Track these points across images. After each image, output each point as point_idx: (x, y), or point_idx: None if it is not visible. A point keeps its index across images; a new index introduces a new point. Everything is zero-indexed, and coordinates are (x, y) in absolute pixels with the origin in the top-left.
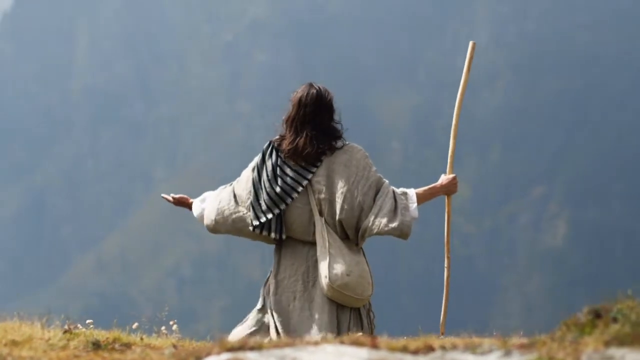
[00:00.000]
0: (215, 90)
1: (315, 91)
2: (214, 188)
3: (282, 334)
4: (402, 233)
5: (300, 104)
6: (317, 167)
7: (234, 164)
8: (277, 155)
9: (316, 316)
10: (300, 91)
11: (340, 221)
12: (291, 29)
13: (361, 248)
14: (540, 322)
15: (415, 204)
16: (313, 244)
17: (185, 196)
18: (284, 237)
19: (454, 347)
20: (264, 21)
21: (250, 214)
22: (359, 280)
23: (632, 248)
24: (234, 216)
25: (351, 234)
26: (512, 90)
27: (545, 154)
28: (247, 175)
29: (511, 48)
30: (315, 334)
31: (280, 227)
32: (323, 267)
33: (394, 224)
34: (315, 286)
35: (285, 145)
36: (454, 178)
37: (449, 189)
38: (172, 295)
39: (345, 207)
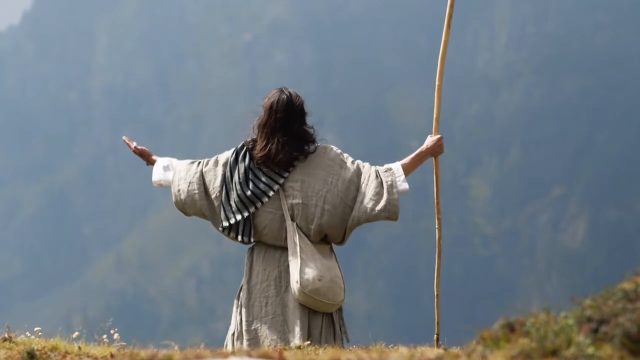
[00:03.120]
0: (235, 90)
1: (285, 97)
2: None
3: (252, 341)
4: (390, 214)
5: (272, 110)
6: (289, 172)
7: None
8: (250, 159)
9: (289, 321)
10: (271, 97)
11: (320, 225)
12: (310, 29)
13: (334, 253)
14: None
15: (403, 176)
16: (285, 248)
17: (147, 150)
18: (252, 240)
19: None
20: (283, 21)
21: (221, 213)
22: (330, 285)
23: None
24: (204, 204)
25: (336, 234)
26: (532, 90)
27: (565, 154)
28: (218, 170)
29: (531, 48)
30: (289, 339)
31: (248, 231)
32: (294, 272)
33: (379, 206)
34: (287, 291)
35: (257, 151)
36: (439, 139)
37: (435, 150)
38: (191, 295)
39: (327, 207)
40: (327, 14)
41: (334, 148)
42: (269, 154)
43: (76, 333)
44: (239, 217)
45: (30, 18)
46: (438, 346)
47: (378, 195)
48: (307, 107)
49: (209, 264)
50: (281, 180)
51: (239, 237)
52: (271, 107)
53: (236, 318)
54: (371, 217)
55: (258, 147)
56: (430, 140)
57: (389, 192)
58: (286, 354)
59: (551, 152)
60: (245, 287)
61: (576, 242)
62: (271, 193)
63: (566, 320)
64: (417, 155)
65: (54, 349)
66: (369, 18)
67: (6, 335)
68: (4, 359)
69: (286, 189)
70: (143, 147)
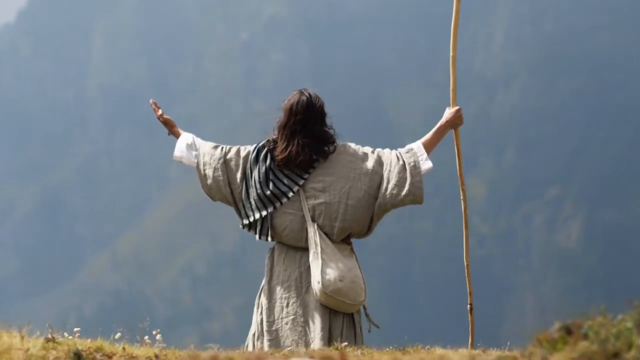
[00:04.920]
0: (231, 90)
1: (305, 98)
2: None
3: (273, 342)
4: (415, 197)
5: (292, 112)
6: (309, 173)
7: None
8: (272, 160)
9: (310, 322)
10: (291, 98)
11: (344, 221)
12: (307, 28)
13: (354, 254)
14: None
15: (425, 154)
16: (306, 249)
17: (172, 120)
18: (269, 239)
19: None
20: (280, 20)
21: (241, 210)
22: (351, 286)
23: None
24: (228, 191)
25: (360, 227)
26: (528, 90)
27: (560, 155)
28: (240, 161)
29: (528, 48)
30: (309, 340)
31: (267, 231)
32: (316, 273)
33: (404, 191)
34: (308, 292)
35: (278, 152)
36: (457, 110)
37: (455, 122)
38: (186, 294)
39: (350, 202)
40: (324, 13)
41: (352, 144)
42: (289, 156)
43: (118, 334)
44: (257, 215)
45: (26, 16)
46: (472, 316)
47: (402, 179)
48: (327, 108)
49: (204, 263)
50: (301, 182)
51: (257, 236)
52: (291, 108)
53: (257, 318)
54: (397, 203)
55: (279, 149)
56: (448, 112)
57: (412, 175)
58: (347, 354)
59: (547, 153)
60: (265, 287)
61: (571, 243)
62: (291, 194)
63: (624, 324)
64: (437, 130)
65: (98, 349)
66: (366, 18)
67: (49, 336)
68: (53, 359)
69: (307, 190)
70: (168, 117)
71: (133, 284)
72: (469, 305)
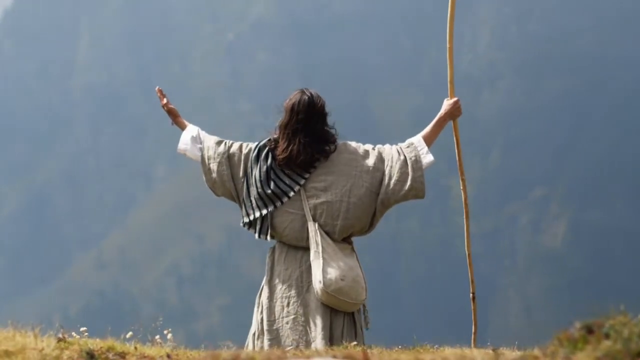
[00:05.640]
0: (217, 90)
1: (307, 97)
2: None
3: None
4: (417, 192)
5: (293, 111)
6: (310, 173)
7: None
8: (273, 159)
9: (310, 321)
10: (292, 97)
11: (346, 219)
12: (293, 28)
13: (355, 253)
14: (539, 323)
15: (426, 148)
16: (306, 249)
17: (176, 110)
18: (268, 238)
19: None
20: (266, 21)
21: (242, 209)
22: (352, 285)
23: (633, 250)
24: (232, 186)
25: (362, 224)
26: (514, 90)
27: (546, 155)
28: (242, 157)
29: (513, 49)
30: (310, 339)
31: (266, 230)
32: (317, 272)
33: (406, 186)
34: (309, 291)
35: (279, 152)
36: (456, 102)
37: (453, 113)
38: (171, 294)
39: (353, 200)
40: (310, 13)
41: (353, 142)
42: (290, 155)
43: (129, 333)
44: (257, 214)
45: (11, 16)
46: (474, 305)
47: (404, 174)
48: (328, 108)
49: (190, 263)
50: (302, 181)
51: (257, 235)
52: (292, 108)
53: (257, 318)
54: (400, 198)
55: (280, 149)
56: (447, 104)
57: (413, 169)
58: (370, 354)
59: (533, 153)
60: (266, 287)
61: (557, 243)
62: (292, 193)
63: None
64: (436, 122)
65: (110, 349)
66: (352, 18)
67: (60, 336)
68: (67, 358)
69: (308, 190)
70: (173, 107)
71: (119, 283)
72: (471, 294)
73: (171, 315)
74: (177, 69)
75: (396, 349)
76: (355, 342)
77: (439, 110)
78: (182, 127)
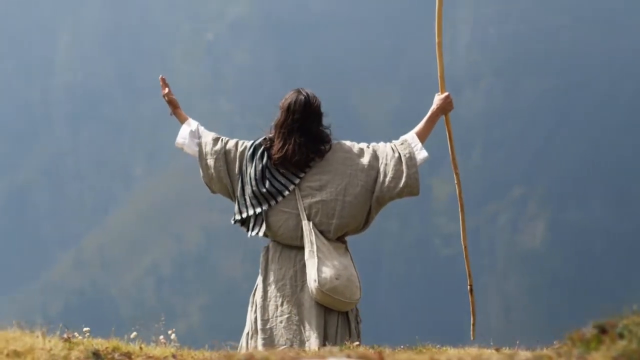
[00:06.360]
0: (197, 89)
1: (303, 98)
2: (194, 189)
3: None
4: (412, 189)
5: (289, 111)
6: (305, 172)
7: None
8: (268, 158)
9: (305, 321)
10: (288, 97)
11: (341, 217)
12: (273, 28)
13: (349, 252)
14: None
15: (419, 144)
16: (301, 248)
17: (176, 101)
18: (260, 234)
19: None
20: (245, 21)
21: (235, 206)
22: (347, 284)
23: (612, 250)
24: (228, 182)
25: (357, 223)
26: (493, 91)
27: (526, 155)
28: (237, 154)
29: (492, 49)
30: (304, 339)
31: (259, 227)
32: (312, 271)
33: (401, 184)
34: (303, 290)
35: (274, 151)
36: (447, 96)
37: (445, 107)
38: (150, 294)
39: (348, 199)
40: (290, 13)
41: (347, 141)
42: (285, 155)
43: (134, 333)
44: (251, 212)
45: None
46: (472, 297)
47: (398, 172)
48: (324, 108)
49: (169, 263)
50: (297, 181)
51: (249, 233)
52: (289, 107)
53: (251, 317)
54: (394, 195)
55: (275, 148)
56: (438, 98)
57: (407, 167)
58: (385, 354)
59: (512, 153)
60: (260, 286)
61: (535, 243)
62: (286, 192)
63: None
64: (429, 118)
65: (115, 349)
66: (331, 18)
67: (65, 336)
68: (75, 359)
69: (303, 189)
70: (174, 97)
71: (98, 283)
72: (469, 286)
73: (150, 315)
74: (157, 68)
75: (399, 349)
76: (357, 342)
77: (418, 110)
78: (181, 119)
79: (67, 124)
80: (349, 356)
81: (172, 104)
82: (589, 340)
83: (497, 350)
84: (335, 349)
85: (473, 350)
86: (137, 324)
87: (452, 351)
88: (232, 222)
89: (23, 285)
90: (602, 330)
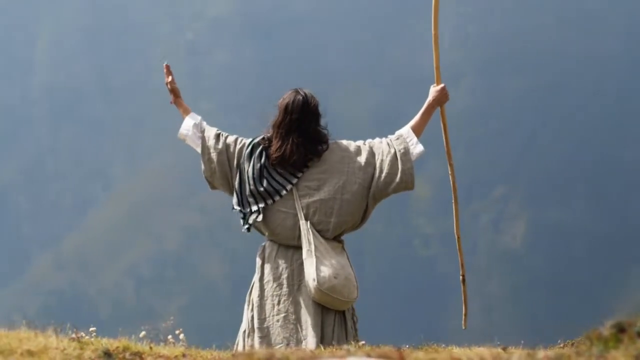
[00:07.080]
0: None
1: (301, 98)
2: (173, 189)
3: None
4: (407, 184)
5: (287, 111)
6: (302, 172)
7: (194, 164)
8: (266, 158)
9: (302, 320)
10: (286, 97)
11: (340, 215)
12: (252, 28)
13: (345, 251)
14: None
15: (415, 139)
16: (297, 247)
17: (178, 91)
18: (250, 230)
19: None
20: (224, 20)
21: (233, 197)
22: (345, 283)
23: (593, 250)
24: (230, 176)
25: (355, 219)
26: (475, 90)
27: (507, 155)
28: (236, 149)
29: (474, 48)
30: (301, 338)
31: (253, 222)
32: (310, 270)
33: (396, 179)
34: (300, 290)
35: (272, 151)
36: (442, 88)
37: (441, 99)
38: (130, 295)
39: (346, 197)
40: (270, 12)
41: (344, 140)
42: (283, 155)
43: (143, 332)
44: (247, 209)
45: None
46: (464, 287)
47: (394, 167)
48: (322, 108)
49: (148, 263)
50: (294, 180)
51: (244, 227)
52: (286, 107)
53: (247, 316)
54: (390, 191)
55: (273, 148)
56: (434, 90)
57: (403, 162)
58: (405, 353)
59: (494, 152)
60: (257, 284)
61: (516, 243)
62: (284, 192)
63: None
64: (425, 110)
65: (126, 349)
66: (311, 17)
67: (74, 336)
68: (87, 358)
69: (301, 189)
70: (177, 86)
71: (76, 284)
72: (461, 277)
73: (129, 316)
74: (137, 68)
75: (404, 348)
76: (363, 342)
77: (398, 109)
78: (181, 108)
79: (47, 125)
80: (369, 355)
81: (174, 93)
82: (607, 339)
83: (504, 349)
84: (353, 348)
85: (493, 350)
86: (145, 323)
87: (470, 351)
88: (232, 209)
89: (2, 286)
90: (621, 329)
